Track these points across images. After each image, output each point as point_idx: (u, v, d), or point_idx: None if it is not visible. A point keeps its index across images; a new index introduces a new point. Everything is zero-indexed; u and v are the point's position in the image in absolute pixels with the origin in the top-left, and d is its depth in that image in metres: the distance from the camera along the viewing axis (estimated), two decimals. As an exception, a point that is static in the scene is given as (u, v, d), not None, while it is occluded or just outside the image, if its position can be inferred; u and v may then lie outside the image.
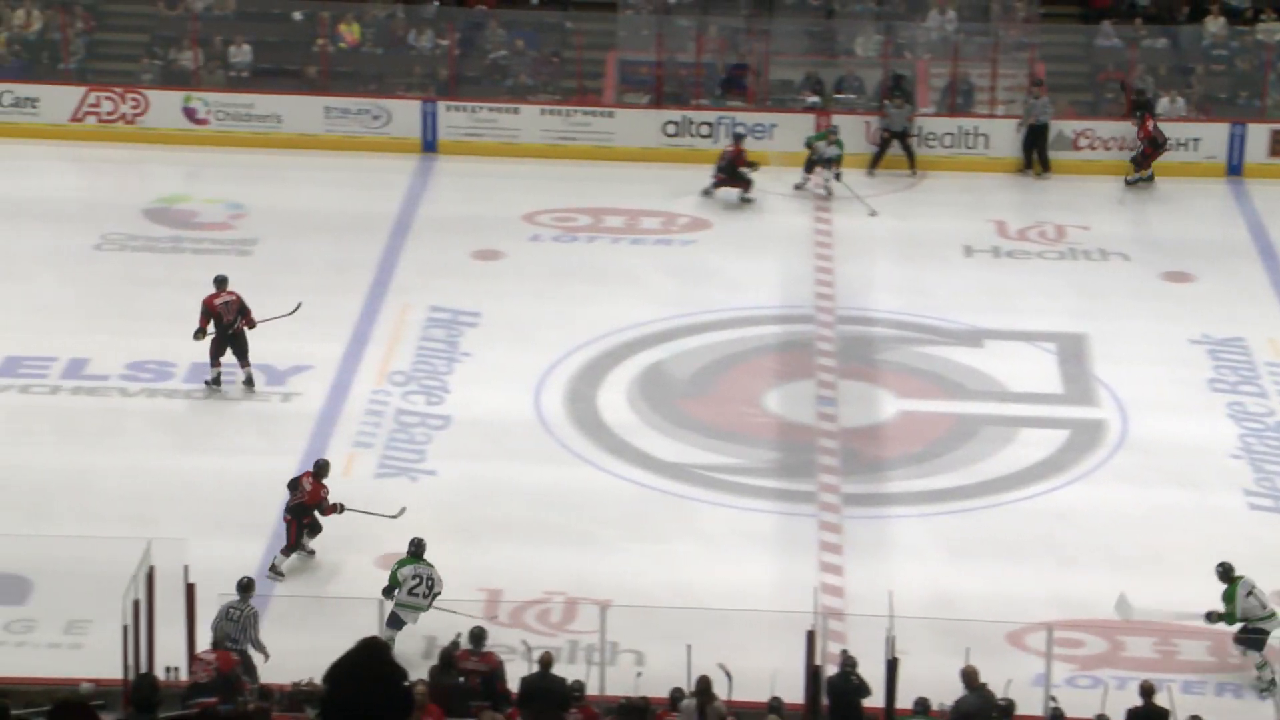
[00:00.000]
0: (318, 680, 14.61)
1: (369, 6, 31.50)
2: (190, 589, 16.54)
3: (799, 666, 16.18)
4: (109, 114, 29.80)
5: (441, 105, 29.77)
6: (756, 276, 25.57)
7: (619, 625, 17.24)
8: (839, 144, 27.93)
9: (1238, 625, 17.65)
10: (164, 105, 29.84)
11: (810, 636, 16.09)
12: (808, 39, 31.55)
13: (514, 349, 23.48)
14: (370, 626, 16.49)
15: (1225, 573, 17.78)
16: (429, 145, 29.73)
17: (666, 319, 24.48)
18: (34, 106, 29.82)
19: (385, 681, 7.08)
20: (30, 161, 28.94)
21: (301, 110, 29.84)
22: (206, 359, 22.13)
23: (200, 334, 21.71)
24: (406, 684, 7.25)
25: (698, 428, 22.02)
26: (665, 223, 27.28)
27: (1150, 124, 28.44)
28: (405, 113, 29.77)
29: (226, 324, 21.70)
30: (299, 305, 20.60)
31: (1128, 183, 28.55)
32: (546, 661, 16.32)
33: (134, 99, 29.85)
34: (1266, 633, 17.65)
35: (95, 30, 31.40)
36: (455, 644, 16.64)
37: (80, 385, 22.30)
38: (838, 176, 27.81)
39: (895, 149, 29.10)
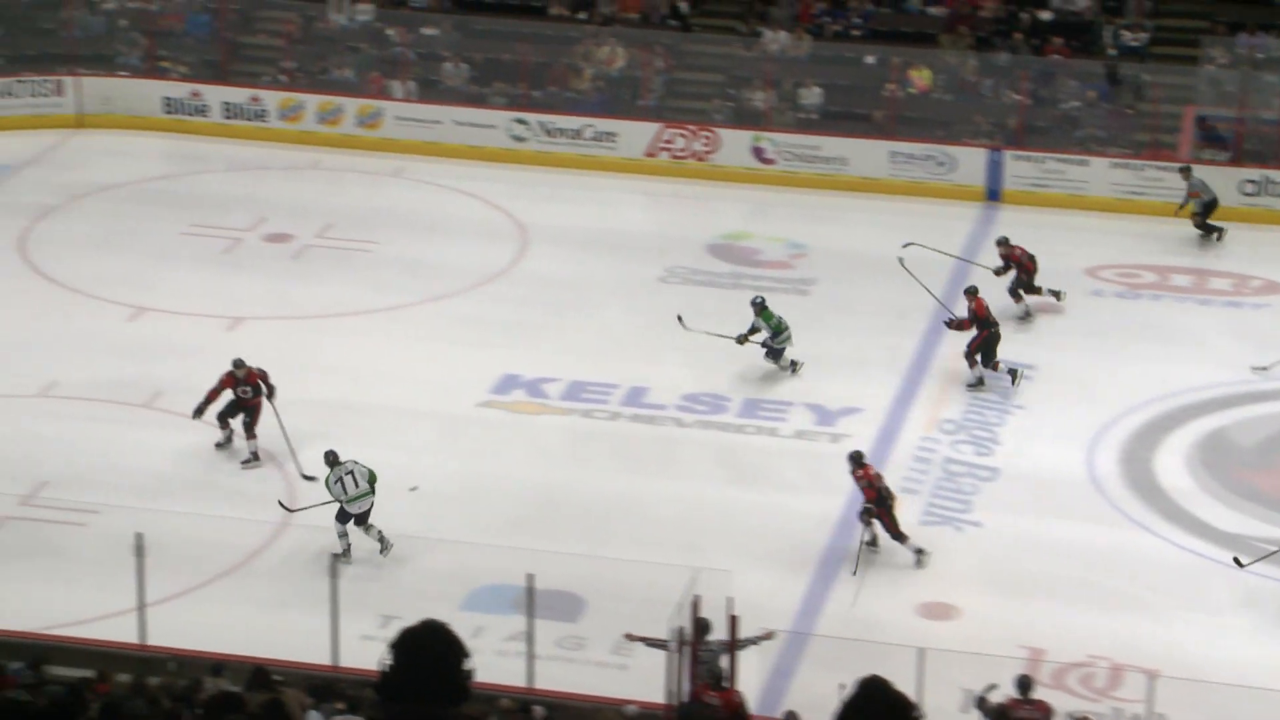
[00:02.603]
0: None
1: (941, 53, 31.45)
2: (733, 620, 16.71)
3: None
4: (681, 150, 30.66)
5: (1008, 154, 29.44)
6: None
7: (1167, 697, 16.57)
8: None
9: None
10: (734, 144, 30.51)
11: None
12: None
13: (1069, 404, 22.97)
14: (906, 675, 16.28)
15: (330, 459, 19.37)
16: (993, 194, 29.44)
17: (1232, 384, 23.50)
18: (612, 141, 30.95)
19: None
20: (605, 193, 30.05)
21: (867, 153, 30.02)
22: (753, 395, 23.05)
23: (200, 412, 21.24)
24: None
25: (1262, 499, 21.03)
26: (1237, 284, 26.22)
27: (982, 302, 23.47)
28: (971, 160, 29.58)
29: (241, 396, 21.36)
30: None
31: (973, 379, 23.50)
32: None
33: (706, 137, 30.64)
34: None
35: (674, 69, 32.37)
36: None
37: (639, 413, 22.93)
38: None
39: None
